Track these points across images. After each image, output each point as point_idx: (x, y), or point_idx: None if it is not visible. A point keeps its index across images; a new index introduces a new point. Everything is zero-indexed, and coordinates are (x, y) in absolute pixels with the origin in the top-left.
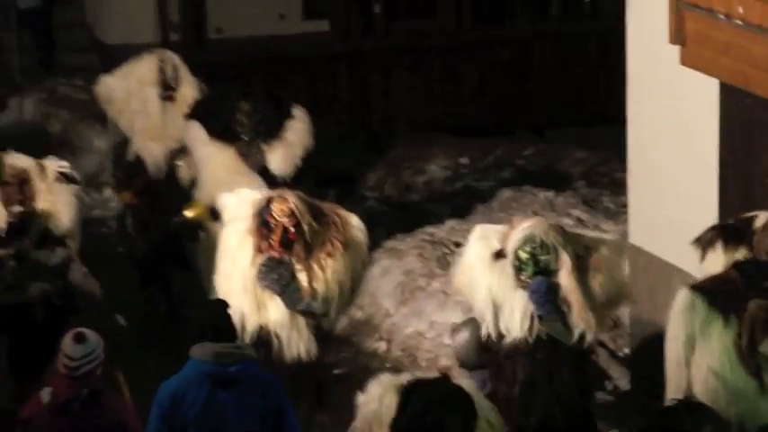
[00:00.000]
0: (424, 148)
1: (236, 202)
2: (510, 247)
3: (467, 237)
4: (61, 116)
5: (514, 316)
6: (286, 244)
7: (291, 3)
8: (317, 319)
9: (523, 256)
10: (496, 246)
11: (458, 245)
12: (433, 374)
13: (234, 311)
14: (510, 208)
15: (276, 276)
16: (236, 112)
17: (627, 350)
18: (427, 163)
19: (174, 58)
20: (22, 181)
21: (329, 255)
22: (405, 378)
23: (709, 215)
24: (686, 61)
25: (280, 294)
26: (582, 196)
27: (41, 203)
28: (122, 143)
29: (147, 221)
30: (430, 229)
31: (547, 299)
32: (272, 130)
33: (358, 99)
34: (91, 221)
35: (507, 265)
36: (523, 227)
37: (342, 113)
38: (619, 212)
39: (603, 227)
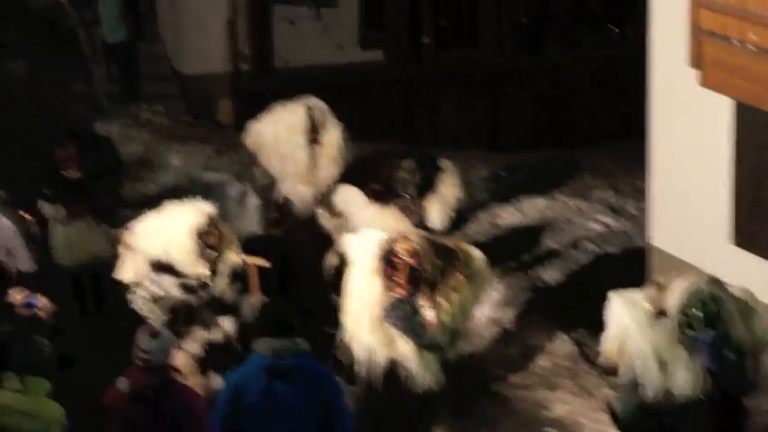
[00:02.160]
0: (467, 163)
1: (360, 243)
2: (674, 305)
3: (501, 239)
4: (143, 138)
5: (684, 374)
6: (413, 281)
7: (348, 35)
8: (444, 351)
9: (693, 312)
10: (647, 307)
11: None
12: None
13: (363, 347)
14: (544, 215)
15: (400, 314)
16: (398, 170)
17: None
18: (469, 176)
19: (319, 103)
20: (216, 226)
21: (454, 289)
22: None
23: (722, 219)
24: (704, 83)
25: (404, 331)
26: (608, 203)
27: (228, 247)
28: (272, 186)
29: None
30: (469, 231)
31: (720, 352)
32: (431, 185)
33: (408, 121)
34: None
35: (670, 323)
36: (687, 284)
37: (394, 134)
38: (641, 217)
39: (627, 230)
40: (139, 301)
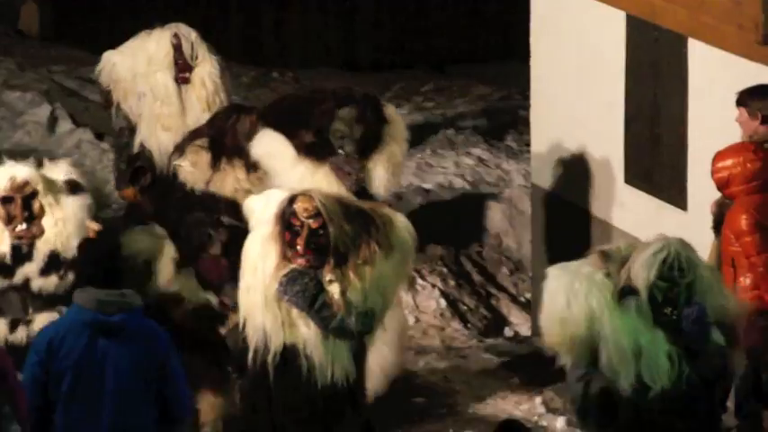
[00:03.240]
0: (318, 84)
1: (263, 205)
2: (643, 278)
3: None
4: None
5: (663, 361)
6: (316, 250)
7: None
8: (355, 337)
9: (668, 286)
10: (610, 285)
11: None
12: None
13: (257, 328)
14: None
15: (299, 289)
16: (334, 120)
17: (528, 295)
18: None
19: (191, 33)
20: (28, 196)
21: (366, 261)
22: None
23: (615, 154)
24: None
25: (306, 311)
26: (483, 134)
27: (48, 221)
28: (127, 130)
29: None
30: None
31: (706, 328)
32: (375, 141)
33: (248, 34)
34: None
35: (641, 302)
36: (651, 252)
37: (233, 48)
38: (521, 151)
39: (505, 166)
40: None
